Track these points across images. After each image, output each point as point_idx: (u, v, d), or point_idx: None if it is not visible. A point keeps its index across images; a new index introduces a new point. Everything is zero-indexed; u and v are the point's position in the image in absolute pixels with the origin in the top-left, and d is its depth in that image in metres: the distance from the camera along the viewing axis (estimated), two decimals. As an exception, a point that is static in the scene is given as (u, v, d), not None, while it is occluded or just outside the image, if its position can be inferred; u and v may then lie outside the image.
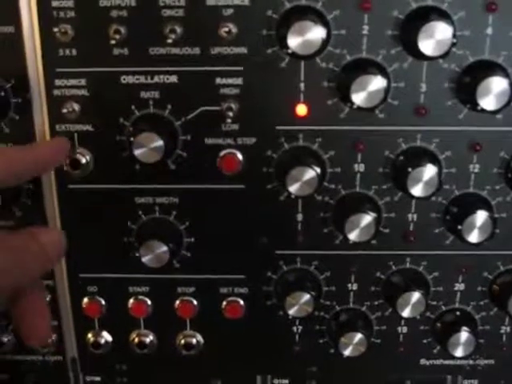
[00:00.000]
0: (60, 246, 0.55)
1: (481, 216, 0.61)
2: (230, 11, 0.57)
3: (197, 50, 0.58)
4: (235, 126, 0.60)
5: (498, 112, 0.57)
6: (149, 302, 0.67)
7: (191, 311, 0.67)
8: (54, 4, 0.57)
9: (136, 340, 0.69)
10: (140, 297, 0.67)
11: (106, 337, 0.69)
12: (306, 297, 0.64)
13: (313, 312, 0.65)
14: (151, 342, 0.69)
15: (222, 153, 0.61)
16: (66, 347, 0.70)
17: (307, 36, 0.55)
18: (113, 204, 0.63)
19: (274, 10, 0.57)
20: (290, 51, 0.55)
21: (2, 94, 0.59)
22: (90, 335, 0.69)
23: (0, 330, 0.68)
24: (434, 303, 0.67)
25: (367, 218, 0.60)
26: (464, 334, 0.66)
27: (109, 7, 0.57)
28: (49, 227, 0.63)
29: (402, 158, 0.61)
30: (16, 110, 0.60)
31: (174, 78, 0.59)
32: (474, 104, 0.57)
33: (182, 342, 0.69)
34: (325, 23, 0.56)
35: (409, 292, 0.64)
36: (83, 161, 0.61)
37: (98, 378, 0.72)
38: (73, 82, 0.60)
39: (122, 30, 0.57)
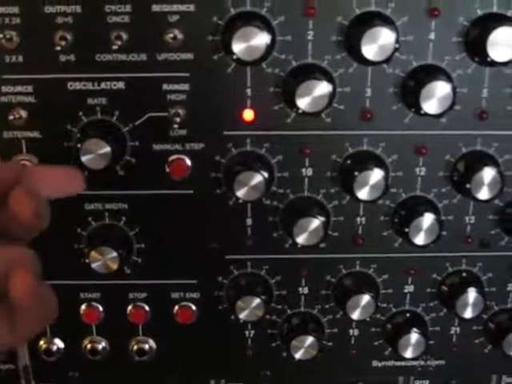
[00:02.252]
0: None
1: (427, 219, 0.61)
2: (175, 17, 0.57)
3: (143, 57, 0.58)
4: (183, 132, 0.61)
5: (442, 116, 0.58)
6: (100, 309, 0.67)
7: (143, 317, 0.67)
8: (-1, 10, 0.57)
9: (88, 346, 0.68)
10: (92, 303, 0.67)
11: (58, 344, 0.68)
12: (257, 301, 0.64)
13: (264, 316, 0.65)
14: (104, 348, 0.69)
15: (171, 158, 0.61)
16: (18, 355, 0.69)
17: (252, 42, 0.55)
18: (62, 210, 0.63)
19: (219, 15, 0.57)
20: (235, 57, 0.56)
21: None
22: (41, 342, 0.68)
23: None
24: (384, 305, 0.68)
25: (315, 222, 0.61)
26: (414, 336, 0.67)
27: (54, 14, 0.57)
28: None
29: (349, 161, 0.61)
30: (-38, 118, 0.60)
31: (121, 85, 0.59)
32: (418, 108, 0.58)
33: (135, 347, 0.68)
34: (270, 29, 0.56)
35: (358, 295, 0.64)
36: (31, 167, 0.61)
37: (50, 386, 0.71)
38: (19, 88, 0.59)
39: (68, 36, 0.57)
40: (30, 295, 0.45)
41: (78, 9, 0.57)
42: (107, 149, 0.58)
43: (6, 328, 0.46)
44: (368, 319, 0.66)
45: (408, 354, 0.67)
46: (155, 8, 0.57)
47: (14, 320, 0.46)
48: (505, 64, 0.57)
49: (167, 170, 0.61)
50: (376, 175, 0.59)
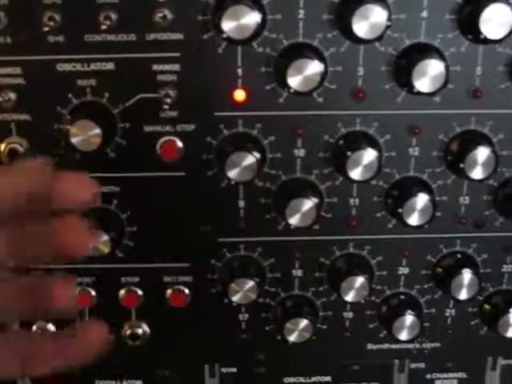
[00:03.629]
0: None
1: (421, 199, 0.61)
2: (164, -4, 0.57)
3: (133, 37, 0.58)
4: (174, 113, 0.60)
5: (435, 94, 0.58)
6: (93, 293, 0.67)
7: (136, 301, 0.67)
8: (-14, -9, 0.56)
9: (81, 331, 0.68)
10: (84, 287, 0.66)
11: (51, 328, 0.68)
12: (250, 283, 0.64)
13: (257, 299, 0.65)
14: (96, 333, 0.68)
15: (162, 140, 0.61)
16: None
17: (242, 20, 0.54)
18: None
19: (209, -6, 0.56)
20: (225, 36, 0.55)
21: None
22: (34, 327, 0.68)
23: None
24: (379, 287, 0.67)
25: (308, 203, 0.60)
26: (409, 318, 0.66)
27: (42, -6, 0.56)
28: None
29: (341, 142, 0.61)
30: (-50, 101, 0.59)
31: (110, 65, 0.59)
32: (410, 87, 0.57)
33: (128, 332, 0.68)
34: (260, 7, 0.56)
35: (352, 276, 0.64)
36: (21, 150, 0.60)
37: (44, 371, 0.71)
38: (8, 70, 0.58)
39: (57, 17, 0.56)
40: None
41: (67, -11, 0.56)
42: (97, 130, 0.57)
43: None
44: (362, 301, 0.66)
45: (403, 336, 0.67)
46: (144, -13, 0.56)
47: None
48: (498, 41, 0.56)
49: (158, 151, 0.61)
50: (369, 155, 0.59)
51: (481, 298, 0.68)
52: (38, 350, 0.48)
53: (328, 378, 0.73)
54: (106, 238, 0.61)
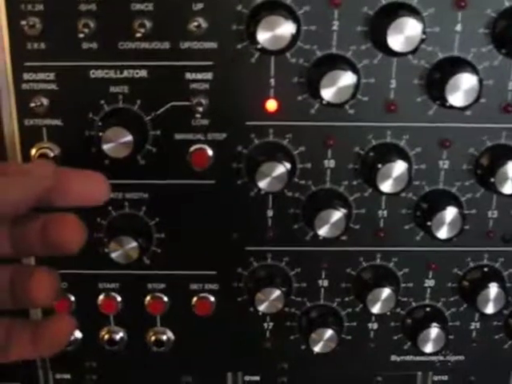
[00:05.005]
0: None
1: (450, 212, 0.61)
2: (199, 5, 0.57)
3: (166, 45, 0.58)
4: (205, 122, 0.60)
5: (467, 108, 0.58)
6: (119, 299, 0.67)
7: (161, 308, 0.67)
8: (22, -3, 0.57)
9: (106, 337, 0.68)
10: (110, 293, 0.67)
11: (76, 334, 0.68)
12: (277, 293, 0.64)
13: (283, 308, 0.65)
14: (121, 338, 0.68)
15: (192, 148, 0.61)
16: (35, 344, 0.69)
17: (277, 31, 0.54)
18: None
19: (244, 4, 0.56)
20: (259, 46, 0.55)
21: (-31, 88, 0.59)
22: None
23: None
24: (405, 299, 0.67)
25: (337, 214, 0.60)
26: (434, 330, 0.66)
27: (78, 0, 0.56)
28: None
29: (371, 153, 0.61)
30: (-16, 105, 0.59)
31: (143, 73, 0.59)
32: (443, 100, 0.57)
33: (153, 338, 0.68)
34: (295, 18, 0.56)
35: (379, 288, 0.64)
36: (51, 155, 0.60)
37: (67, 376, 0.71)
38: (41, 75, 0.59)
39: (91, 23, 0.57)
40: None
41: (102, -4, 0.57)
42: (129, 137, 0.57)
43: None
44: (388, 313, 0.66)
45: (428, 348, 0.66)
46: (179, -4, 0.57)
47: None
48: (532, 56, 0.56)
49: (189, 159, 0.61)
50: (399, 167, 0.59)
51: (506, 312, 0.68)
52: (19, 337, 0.49)
53: (350, 389, 0.73)
54: (134, 244, 0.61)
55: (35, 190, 0.48)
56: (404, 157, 0.60)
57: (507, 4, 0.56)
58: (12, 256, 0.51)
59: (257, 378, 0.71)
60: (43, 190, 0.48)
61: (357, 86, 0.57)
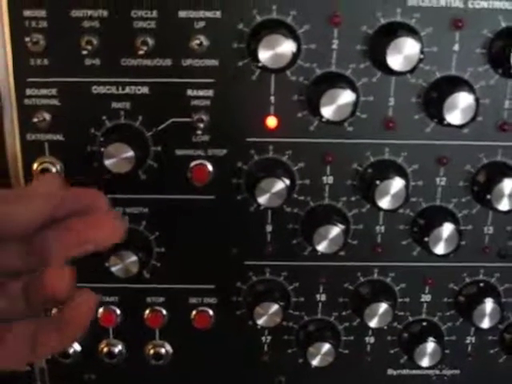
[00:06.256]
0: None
1: (447, 228, 0.62)
2: (201, 24, 0.57)
3: (168, 62, 0.59)
4: (206, 138, 0.61)
5: (464, 126, 0.58)
6: (118, 312, 0.67)
7: (160, 321, 0.67)
8: (26, 14, 0.57)
9: (105, 350, 0.69)
10: (109, 306, 0.67)
11: (75, 346, 0.68)
12: (275, 307, 0.64)
13: (281, 322, 0.65)
14: (120, 351, 0.69)
15: (193, 164, 0.62)
16: (35, 357, 0.70)
17: (277, 49, 0.55)
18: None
19: (245, 23, 0.57)
20: (260, 64, 0.56)
21: (-28, 103, 0.59)
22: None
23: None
24: (401, 314, 0.68)
25: (336, 230, 0.61)
26: (430, 345, 0.67)
27: (81, 18, 0.57)
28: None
29: (370, 170, 0.62)
30: (-14, 119, 0.60)
31: (145, 89, 0.60)
32: (440, 118, 0.58)
33: (151, 351, 0.69)
34: (295, 37, 0.57)
35: (376, 303, 0.65)
36: (53, 170, 0.61)
37: (66, 388, 0.72)
38: (44, 91, 0.60)
39: (94, 40, 0.58)
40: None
41: (105, 13, 0.57)
42: (130, 153, 0.58)
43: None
44: (384, 327, 0.66)
45: (424, 362, 0.67)
46: (181, 14, 0.57)
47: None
48: (528, 76, 0.57)
49: (189, 175, 0.62)
50: (397, 184, 0.60)
51: (501, 326, 0.69)
52: (44, 331, 0.49)
53: (347, 402, 0.73)
54: (134, 258, 0.62)
55: (43, 210, 0.48)
56: (402, 174, 0.61)
57: (503, 25, 0.57)
58: (22, 269, 0.51)
59: (254, 391, 0.72)
60: (51, 208, 0.49)
61: (356, 104, 0.57)
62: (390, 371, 0.71)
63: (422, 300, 0.68)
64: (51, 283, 0.48)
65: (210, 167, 0.62)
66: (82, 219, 0.49)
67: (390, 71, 0.56)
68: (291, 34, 0.57)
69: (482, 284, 0.67)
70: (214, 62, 0.59)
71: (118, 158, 0.58)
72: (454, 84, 0.58)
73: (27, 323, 0.50)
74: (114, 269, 0.62)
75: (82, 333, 0.50)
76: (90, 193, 0.52)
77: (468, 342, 0.70)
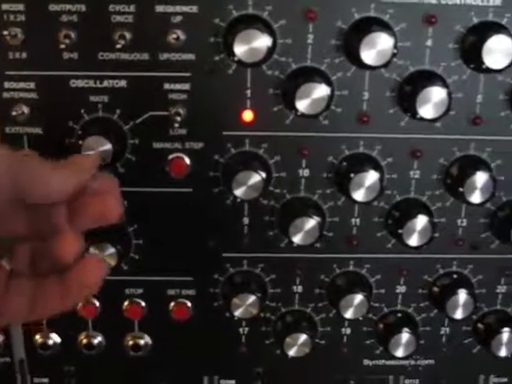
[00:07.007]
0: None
1: (421, 220, 0.63)
2: (178, 18, 0.58)
3: (146, 56, 0.59)
4: (183, 131, 0.62)
5: (437, 120, 0.59)
6: (97, 304, 0.68)
7: (139, 313, 0.68)
8: (4, 7, 0.57)
9: (84, 341, 0.69)
10: (88, 298, 0.68)
11: (55, 338, 0.69)
12: (252, 298, 0.65)
13: (258, 313, 0.66)
14: (99, 343, 0.69)
15: (170, 157, 0.62)
16: (14, 349, 0.70)
17: (253, 44, 0.56)
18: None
19: (221, 18, 0.58)
20: (236, 59, 0.57)
21: (-50, 96, 0.59)
22: (38, 336, 0.69)
23: None
24: (377, 305, 0.69)
25: (311, 222, 0.62)
26: (405, 335, 0.68)
27: (59, 12, 0.58)
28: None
29: (345, 163, 0.63)
30: (-35, 113, 0.60)
31: (123, 83, 0.60)
32: (414, 112, 0.59)
33: (130, 343, 0.69)
34: (271, 32, 0.57)
35: (352, 294, 0.66)
36: (32, 163, 0.61)
37: (45, 380, 0.72)
38: (22, 84, 0.60)
39: (72, 34, 0.58)
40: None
41: (83, 7, 0.58)
42: (108, 146, 0.59)
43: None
44: (360, 318, 0.67)
45: (399, 353, 0.68)
46: (159, 8, 0.58)
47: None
48: (499, 71, 0.58)
49: (166, 168, 0.62)
50: (371, 177, 0.61)
51: (475, 317, 0.70)
52: (46, 292, 0.50)
53: (324, 392, 0.74)
54: (112, 250, 0.63)
55: (77, 184, 0.50)
56: (376, 167, 0.62)
57: (475, 20, 0.58)
58: (29, 236, 0.52)
59: (232, 382, 0.73)
60: (82, 184, 0.50)
61: (330, 98, 0.58)
62: (366, 361, 0.72)
63: (397, 291, 0.69)
64: (60, 247, 0.49)
65: (187, 160, 0.62)
66: (98, 197, 0.51)
67: (364, 66, 0.57)
68: (267, 28, 0.57)
69: (455, 275, 0.68)
70: (190, 56, 0.59)
71: (96, 150, 0.59)
72: (427, 78, 0.59)
73: (28, 282, 0.50)
74: (92, 261, 0.63)
75: (84, 299, 0.54)
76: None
77: (442, 332, 0.71)
